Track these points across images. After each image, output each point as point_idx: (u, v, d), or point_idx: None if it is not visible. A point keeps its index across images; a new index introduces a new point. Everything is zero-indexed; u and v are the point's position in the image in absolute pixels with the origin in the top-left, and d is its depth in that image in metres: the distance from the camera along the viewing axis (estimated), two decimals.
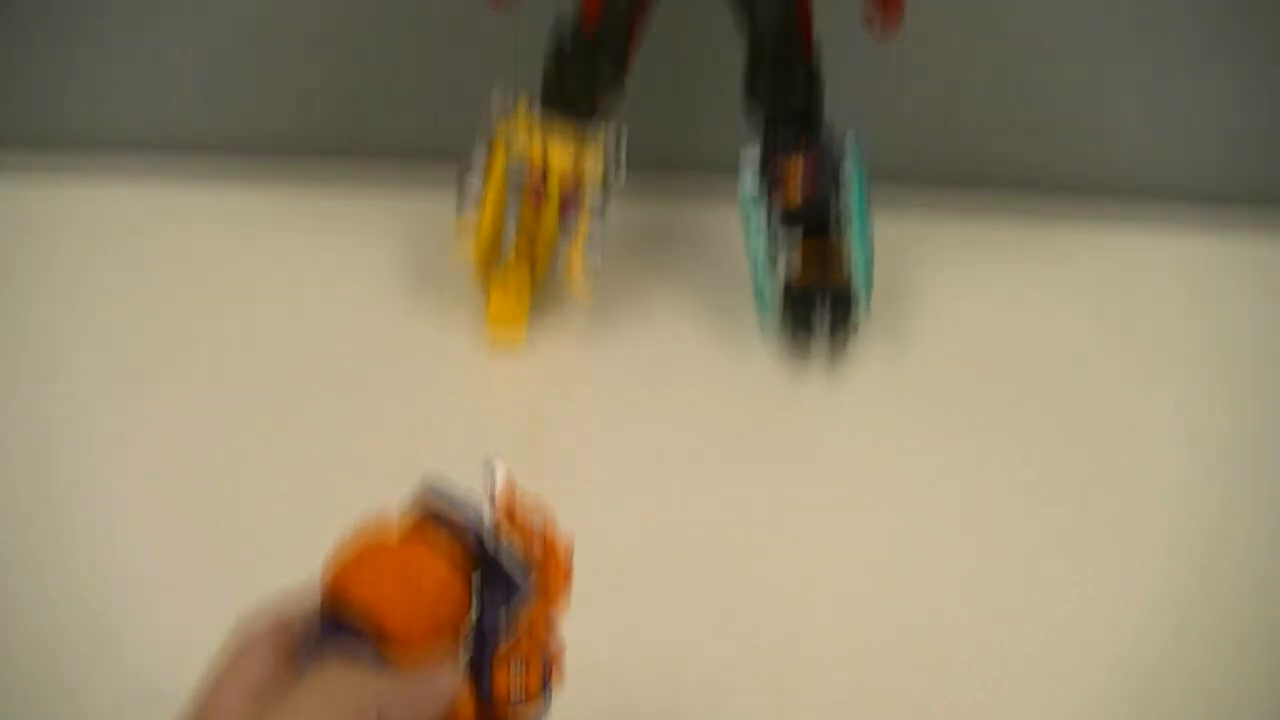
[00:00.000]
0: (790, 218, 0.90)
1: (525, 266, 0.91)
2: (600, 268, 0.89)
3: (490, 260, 0.91)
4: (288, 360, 0.90)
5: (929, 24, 0.95)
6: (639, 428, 0.88)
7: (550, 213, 0.87)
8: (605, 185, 0.89)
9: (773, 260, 0.90)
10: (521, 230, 0.89)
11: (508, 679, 0.56)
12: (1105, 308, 0.97)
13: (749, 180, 0.89)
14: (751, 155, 0.89)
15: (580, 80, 0.88)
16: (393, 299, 0.94)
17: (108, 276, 0.94)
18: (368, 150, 1.05)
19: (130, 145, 1.03)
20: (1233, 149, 1.06)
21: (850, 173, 0.88)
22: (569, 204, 0.87)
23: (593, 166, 0.88)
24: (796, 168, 0.87)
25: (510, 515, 0.57)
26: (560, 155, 0.88)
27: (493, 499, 0.57)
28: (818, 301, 0.90)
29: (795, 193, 0.88)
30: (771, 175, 0.88)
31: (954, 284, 0.98)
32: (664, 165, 1.05)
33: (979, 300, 0.97)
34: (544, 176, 0.87)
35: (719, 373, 0.91)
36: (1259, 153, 1.06)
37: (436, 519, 0.56)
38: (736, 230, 0.90)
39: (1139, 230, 1.03)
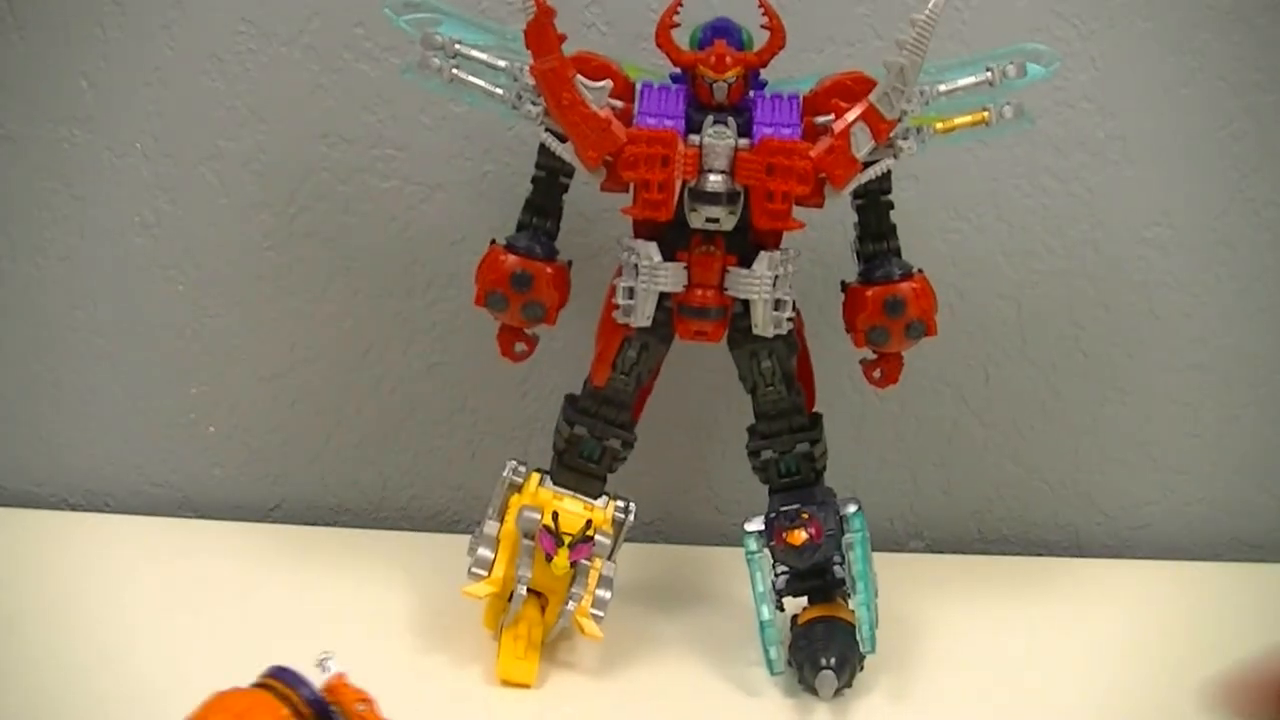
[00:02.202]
0: (793, 587, 0.93)
1: (536, 610, 0.92)
2: (611, 605, 0.91)
3: (502, 608, 0.91)
4: None
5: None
6: None
7: (561, 558, 0.89)
8: (616, 529, 0.92)
9: (778, 607, 0.92)
10: (533, 575, 0.90)
11: None
12: (1110, 639, 0.98)
13: (753, 544, 0.91)
14: (755, 522, 0.91)
15: (591, 440, 0.92)
16: (404, 634, 0.95)
17: (123, 616, 0.95)
18: (382, 519, 1.11)
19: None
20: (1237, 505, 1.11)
21: (854, 541, 0.90)
22: (580, 548, 0.89)
23: (603, 514, 0.91)
24: (799, 538, 0.89)
25: (336, 692, 0.70)
26: (572, 504, 0.91)
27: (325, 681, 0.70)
28: (822, 637, 0.91)
29: (798, 561, 0.90)
30: (775, 544, 0.90)
31: (960, 615, 0.99)
32: (671, 518, 1.09)
33: (986, 632, 0.98)
34: (555, 522, 0.89)
35: (727, 708, 0.90)
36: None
37: (279, 684, 0.69)
38: (744, 567, 0.91)
39: (1139, 569, 1.08)
